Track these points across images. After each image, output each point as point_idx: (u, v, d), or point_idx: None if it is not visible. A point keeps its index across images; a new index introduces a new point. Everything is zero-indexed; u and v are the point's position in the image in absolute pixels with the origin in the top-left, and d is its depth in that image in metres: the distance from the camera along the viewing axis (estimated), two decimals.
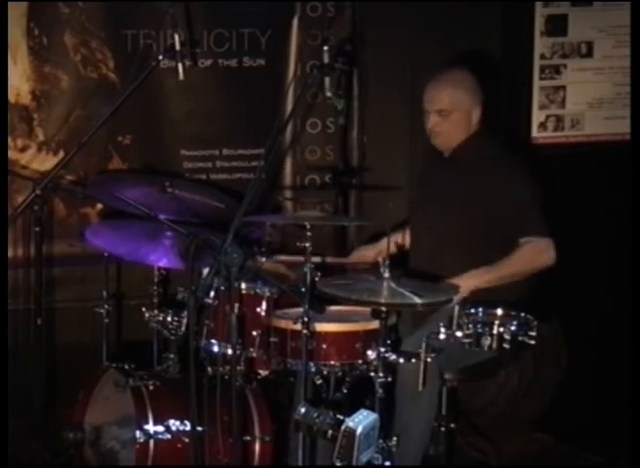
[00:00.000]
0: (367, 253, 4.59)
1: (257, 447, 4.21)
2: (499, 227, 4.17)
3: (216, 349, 4.11)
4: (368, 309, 3.89)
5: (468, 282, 4.08)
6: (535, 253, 4.13)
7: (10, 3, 4.63)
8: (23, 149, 5.01)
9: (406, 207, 4.82)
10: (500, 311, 3.67)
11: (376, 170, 5.33)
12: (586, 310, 5.19)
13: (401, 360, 3.79)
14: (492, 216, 4.16)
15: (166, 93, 5.09)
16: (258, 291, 4.09)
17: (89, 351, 4.64)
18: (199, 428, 3.75)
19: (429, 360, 3.68)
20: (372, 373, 3.83)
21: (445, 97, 4.25)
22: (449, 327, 3.65)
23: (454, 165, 4.33)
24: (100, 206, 5.07)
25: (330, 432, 3.08)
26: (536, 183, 4.22)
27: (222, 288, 3.73)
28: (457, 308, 3.67)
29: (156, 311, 4.43)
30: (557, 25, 5.41)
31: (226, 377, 3.87)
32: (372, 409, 3.39)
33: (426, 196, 4.44)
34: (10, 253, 4.50)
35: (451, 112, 4.24)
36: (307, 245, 3.96)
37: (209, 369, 4.16)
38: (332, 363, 3.96)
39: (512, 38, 5.45)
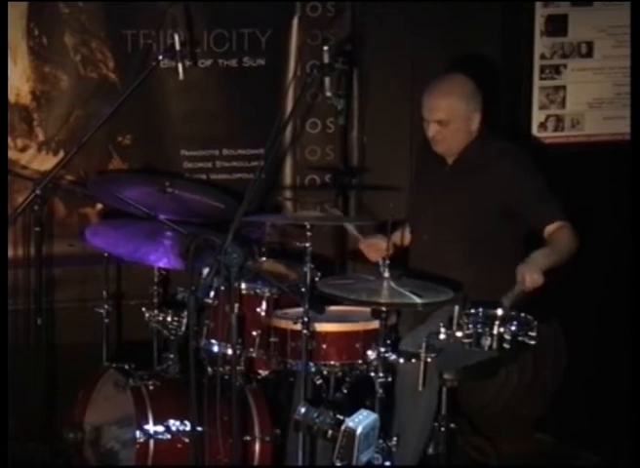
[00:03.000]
0: (382, 244, 4.54)
1: (257, 447, 4.20)
2: (511, 223, 4.18)
3: (216, 349, 4.11)
4: (368, 309, 3.89)
5: (538, 261, 3.97)
6: (572, 236, 4.11)
7: (10, 3, 4.62)
8: (23, 149, 5.02)
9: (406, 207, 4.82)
10: (500, 311, 3.66)
11: (376, 170, 5.33)
12: (586, 310, 5.19)
13: (401, 360, 3.79)
14: (501, 214, 4.16)
15: (166, 93, 5.09)
16: (258, 291, 4.09)
17: (89, 351, 4.64)
18: (199, 428, 3.76)
19: (429, 360, 3.68)
20: (372, 373, 3.83)
21: (443, 106, 4.22)
22: (449, 327, 3.65)
23: (457, 168, 4.32)
24: (100, 206, 5.07)
25: (330, 432, 3.08)
26: (541, 173, 4.22)
27: (222, 288, 3.73)
28: (457, 308, 3.67)
29: (156, 311, 4.43)
30: (557, 25, 5.41)
31: (226, 377, 3.88)
32: (372, 409, 3.39)
33: (428, 198, 4.42)
34: (10, 253, 4.50)
35: (450, 121, 4.22)
36: (307, 245, 3.96)
37: (209, 369, 4.16)
38: (332, 363, 3.96)
39: (512, 38, 5.44)
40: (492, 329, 3.62)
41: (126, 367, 4.30)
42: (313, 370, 3.95)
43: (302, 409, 3.18)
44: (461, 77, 4.31)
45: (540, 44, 5.42)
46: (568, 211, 4.19)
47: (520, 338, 3.64)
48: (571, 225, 4.13)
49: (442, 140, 4.27)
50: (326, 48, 4.05)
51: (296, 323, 3.90)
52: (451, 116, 4.22)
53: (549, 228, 4.12)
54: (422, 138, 4.40)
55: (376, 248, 4.40)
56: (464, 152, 4.31)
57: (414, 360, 3.75)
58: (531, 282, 3.87)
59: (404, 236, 4.54)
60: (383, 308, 3.72)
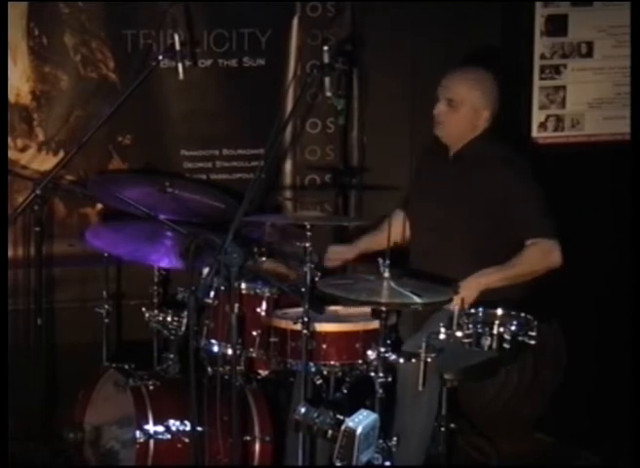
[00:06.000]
0: (344, 254, 4.59)
1: (257, 447, 4.21)
2: (502, 228, 4.17)
3: (216, 349, 4.11)
4: (368, 309, 3.89)
5: (480, 280, 4.07)
6: (540, 255, 4.12)
7: (10, 3, 4.63)
8: (23, 149, 5.01)
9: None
10: (500, 311, 3.67)
11: (376, 170, 5.33)
12: (586, 310, 5.19)
13: (401, 360, 3.79)
14: (495, 217, 4.16)
15: (166, 93, 5.09)
16: (258, 291, 4.09)
17: (89, 351, 4.64)
18: (199, 428, 3.76)
19: (429, 360, 3.68)
20: (372, 373, 3.83)
21: (460, 89, 4.25)
22: (449, 327, 3.65)
23: (457, 163, 4.32)
24: (100, 206, 5.07)
25: (330, 432, 3.08)
26: (539, 183, 4.22)
27: (222, 288, 3.73)
28: (457, 308, 3.67)
29: (156, 311, 4.43)
30: (557, 25, 5.41)
31: (226, 377, 3.88)
32: (372, 409, 3.39)
33: (427, 195, 4.42)
34: (10, 253, 4.50)
35: (459, 105, 4.24)
36: (307, 245, 3.96)
37: (209, 369, 4.16)
38: (332, 363, 3.96)
39: (512, 38, 5.44)
40: (492, 329, 3.63)
41: (126, 367, 4.30)
42: (313, 370, 3.95)
43: (302, 409, 3.18)
44: (487, 72, 4.34)
45: (540, 44, 5.42)
46: (564, 226, 4.17)
47: (520, 338, 3.64)
48: (552, 244, 4.11)
49: (445, 123, 4.28)
50: (326, 48, 4.06)
51: (296, 323, 3.90)
52: (462, 99, 4.24)
53: (526, 243, 4.13)
54: (432, 139, 4.40)
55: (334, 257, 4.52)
56: (466, 148, 4.31)
57: (414, 360, 3.75)
58: (459, 301, 3.82)
59: (374, 241, 4.54)
60: (383, 308, 3.72)
